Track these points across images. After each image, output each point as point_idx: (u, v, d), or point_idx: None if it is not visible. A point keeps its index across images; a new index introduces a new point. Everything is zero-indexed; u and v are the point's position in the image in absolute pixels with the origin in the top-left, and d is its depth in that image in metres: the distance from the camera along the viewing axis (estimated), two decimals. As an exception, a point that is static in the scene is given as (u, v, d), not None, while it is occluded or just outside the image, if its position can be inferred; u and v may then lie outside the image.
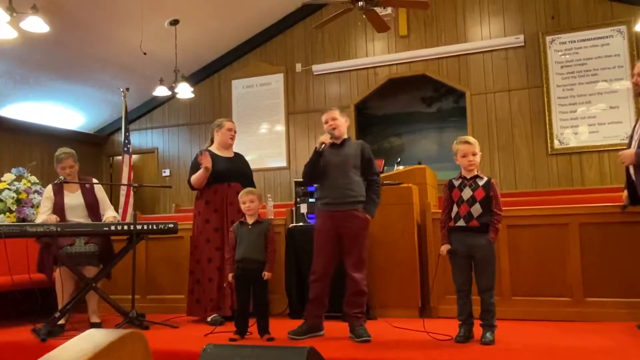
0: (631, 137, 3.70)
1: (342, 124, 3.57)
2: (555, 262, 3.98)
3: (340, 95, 8.38)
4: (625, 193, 3.78)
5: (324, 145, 3.43)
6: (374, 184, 3.55)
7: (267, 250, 3.56)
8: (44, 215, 4.27)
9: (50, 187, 4.39)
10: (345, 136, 3.61)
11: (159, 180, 9.22)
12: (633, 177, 3.60)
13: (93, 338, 1.04)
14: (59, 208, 4.28)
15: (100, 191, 4.54)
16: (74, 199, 4.36)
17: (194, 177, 4.32)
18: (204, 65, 9.08)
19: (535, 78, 7.40)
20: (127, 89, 7.65)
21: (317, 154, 3.46)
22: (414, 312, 4.20)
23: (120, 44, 7.62)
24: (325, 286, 3.52)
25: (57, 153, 4.42)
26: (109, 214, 4.47)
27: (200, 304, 4.27)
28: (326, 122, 3.57)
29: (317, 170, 3.51)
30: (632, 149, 3.55)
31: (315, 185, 3.78)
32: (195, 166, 4.36)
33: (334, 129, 3.53)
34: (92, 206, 4.39)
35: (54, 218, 4.13)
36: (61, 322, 3.96)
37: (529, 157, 7.35)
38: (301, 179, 3.78)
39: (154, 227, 4.19)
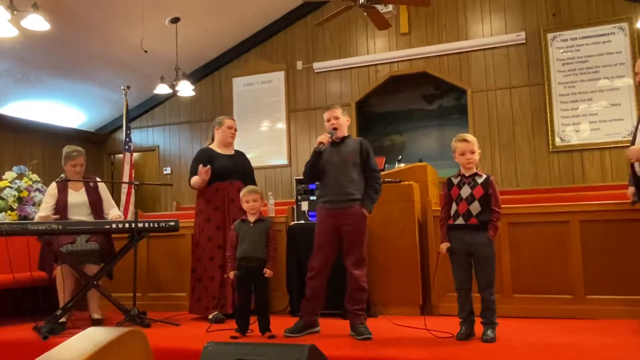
0: (635, 132, 3.67)
1: (344, 123, 3.57)
2: (556, 259, 3.98)
3: (341, 92, 8.37)
4: (632, 189, 3.73)
5: (322, 145, 3.43)
6: (373, 181, 3.52)
7: (268, 248, 3.56)
8: (43, 212, 4.26)
9: (54, 184, 4.37)
10: (346, 134, 3.60)
11: (160, 178, 9.23)
12: (639, 173, 3.58)
13: (93, 336, 1.05)
14: (61, 206, 4.28)
15: (104, 191, 4.54)
16: (77, 197, 4.35)
17: (193, 181, 4.33)
18: (205, 63, 9.08)
19: (536, 75, 7.39)
20: (128, 87, 7.65)
21: (317, 154, 3.46)
22: (415, 310, 4.20)
23: (121, 42, 7.62)
24: (323, 283, 3.53)
25: (68, 150, 4.38)
26: (114, 212, 4.46)
27: (201, 302, 4.27)
28: (328, 121, 3.56)
29: (316, 169, 3.52)
30: (638, 145, 3.52)
31: (316, 183, 3.79)
32: (195, 167, 4.36)
33: (335, 128, 3.52)
34: (96, 205, 4.39)
35: (52, 218, 4.12)
36: (62, 320, 3.95)
37: (530, 154, 7.35)
38: (302, 177, 3.79)
39: (155, 225, 4.18)
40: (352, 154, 3.49)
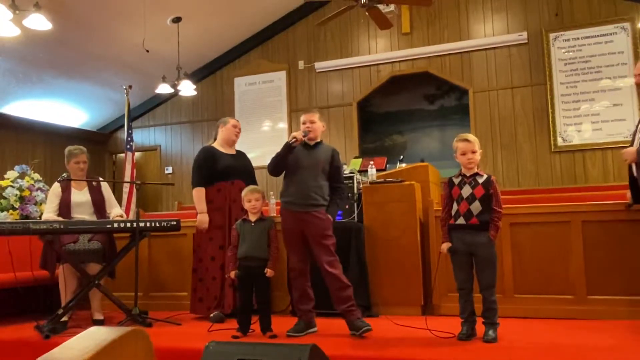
0: (634, 134, 3.68)
1: (319, 128, 3.67)
2: (558, 259, 3.97)
3: (343, 92, 8.37)
4: (629, 192, 3.76)
5: (295, 139, 3.51)
6: (341, 191, 3.70)
7: (269, 248, 3.56)
8: (48, 213, 4.26)
9: (57, 184, 4.36)
10: (319, 139, 3.69)
11: (161, 177, 9.24)
12: (635, 174, 3.59)
13: (95, 336, 1.05)
14: (65, 205, 4.27)
15: (106, 190, 4.54)
16: (80, 195, 4.35)
17: (198, 197, 4.29)
18: (207, 62, 9.08)
19: (538, 75, 7.38)
20: (130, 87, 7.65)
21: (288, 148, 3.53)
22: (417, 310, 4.19)
23: (123, 42, 7.63)
24: (307, 280, 3.61)
25: (70, 149, 4.40)
26: (116, 212, 4.46)
27: (203, 302, 4.27)
28: (304, 123, 3.66)
29: (283, 163, 3.59)
30: (634, 147, 3.53)
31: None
32: (200, 167, 4.34)
33: (310, 131, 3.61)
34: (99, 204, 4.39)
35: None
36: (64, 319, 3.95)
37: (532, 154, 7.34)
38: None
39: (157, 225, 4.19)
40: (323, 161, 3.59)
